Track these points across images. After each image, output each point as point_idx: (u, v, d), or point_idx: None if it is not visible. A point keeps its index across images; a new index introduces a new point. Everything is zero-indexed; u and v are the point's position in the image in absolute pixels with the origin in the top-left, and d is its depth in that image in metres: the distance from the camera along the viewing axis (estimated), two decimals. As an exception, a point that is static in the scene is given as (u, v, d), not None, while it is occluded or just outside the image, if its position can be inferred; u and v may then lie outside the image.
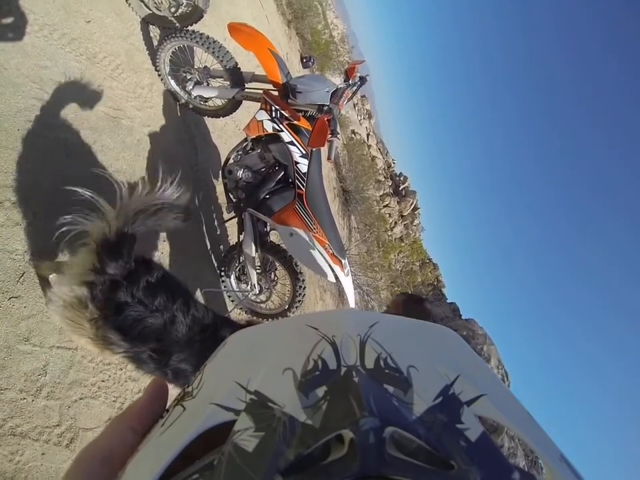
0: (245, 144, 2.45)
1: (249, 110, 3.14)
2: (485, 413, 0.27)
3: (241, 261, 2.63)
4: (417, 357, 0.32)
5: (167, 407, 0.35)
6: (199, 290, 2.62)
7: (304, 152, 2.17)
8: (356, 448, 0.22)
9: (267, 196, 2.35)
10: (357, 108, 17.94)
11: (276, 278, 2.80)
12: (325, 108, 2.09)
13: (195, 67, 2.76)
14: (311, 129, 2.03)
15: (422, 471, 0.21)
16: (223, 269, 2.82)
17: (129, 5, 2.71)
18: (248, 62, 3.73)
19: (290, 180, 2.30)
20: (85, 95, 2.18)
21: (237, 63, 2.45)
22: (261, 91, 2.26)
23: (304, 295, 2.60)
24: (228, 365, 0.35)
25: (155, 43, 2.95)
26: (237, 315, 2.93)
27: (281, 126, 2.13)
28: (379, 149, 19.20)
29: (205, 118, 3.29)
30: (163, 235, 2.46)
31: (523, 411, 0.29)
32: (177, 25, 2.81)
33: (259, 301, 2.88)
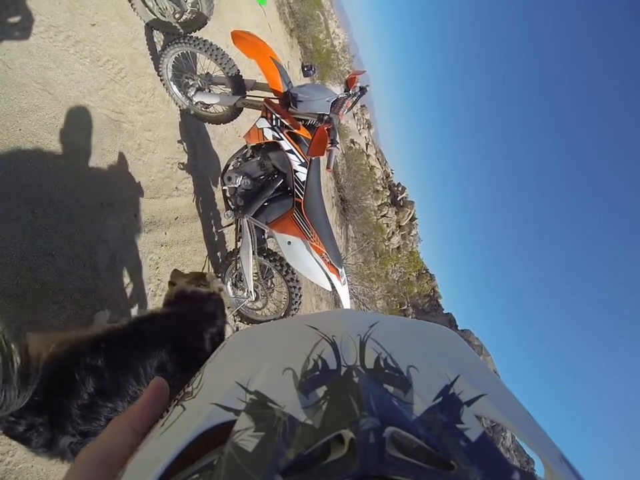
0: (244, 151, 2.46)
1: (249, 117, 3.17)
2: (485, 412, 0.27)
3: (238, 267, 2.62)
4: (417, 357, 0.32)
5: (166, 407, 0.35)
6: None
7: (303, 160, 2.18)
8: (356, 448, 0.22)
9: (266, 203, 2.36)
10: (356, 117, 18.06)
11: (272, 285, 2.80)
12: (325, 117, 2.10)
13: (197, 73, 2.78)
14: (310, 138, 2.03)
15: (422, 471, 0.21)
16: (219, 275, 2.82)
17: (134, 9, 2.73)
18: (250, 69, 3.76)
19: (289, 188, 2.31)
20: (88, 97, 2.18)
21: (239, 70, 2.47)
22: (262, 99, 2.28)
23: (300, 302, 2.60)
24: (228, 365, 0.35)
25: (159, 48, 2.97)
26: (232, 320, 2.92)
27: (281, 134, 2.14)
28: (378, 159, 19.30)
29: (206, 124, 3.31)
30: (160, 240, 2.46)
31: (523, 411, 0.29)
32: (181, 30, 2.83)
33: (255, 307, 2.87)
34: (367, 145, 18.10)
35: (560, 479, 0.24)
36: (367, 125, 19.85)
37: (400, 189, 19.61)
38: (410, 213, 18.74)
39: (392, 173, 21.11)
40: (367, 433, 0.23)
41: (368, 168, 15.37)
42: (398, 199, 19.03)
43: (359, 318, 0.43)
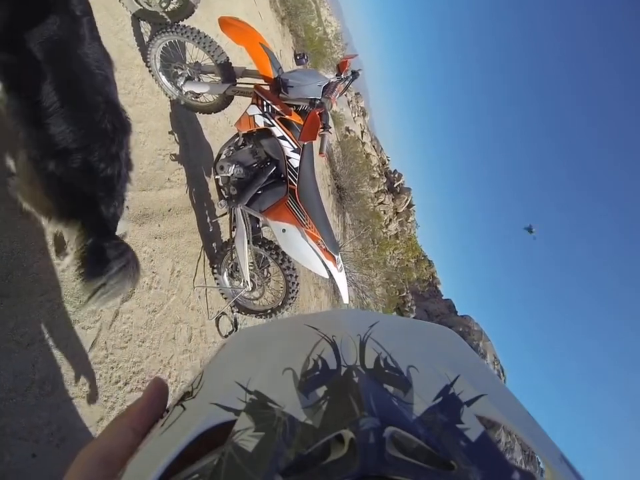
0: (236, 139, 2.43)
1: (240, 106, 3.12)
2: (485, 412, 0.27)
3: (234, 257, 2.61)
4: (417, 357, 0.32)
5: (166, 407, 0.35)
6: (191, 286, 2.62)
7: (295, 146, 2.17)
8: (356, 448, 0.22)
9: (259, 192, 2.34)
10: (351, 105, 17.93)
11: (269, 274, 2.79)
12: (317, 102, 2.08)
13: (186, 62, 2.74)
14: (302, 124, 2.02)
15: (422, 471, 0.21)
16: (215, 265, 2.81)
17: (120, 0, 2.67)
18: (240, 58, 3.71)
19: (282, 175, 2.29)
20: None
21: (228, 58, 2.44)
22: (252, 86, 2.25)
23: (297, 291, 2.60)
24: (228, 365, 0.35)
25: (146, 38, 2.91)
26: (230, 311, 2.92)
27: (272, 120, 2.12)
28: (374, 146, 19.22)
29: (197, 114, 3.27)
30: (154, 232, 2.44)
31: (523, 411, 0.29)
32: (168, 20, 2.78)
33: (251, 297, 2.86)
34: (362, 132, 18.00)
35: (560, 479, 0.25)
36: (361, 113, 19.70)
37: (396, 175, 19.56)
38: (407, 200, 18.73)
39: (388, 160, 21.04)
40: (367, 433, 0.23)
41: (364, 155, 15.31)
42: (395, 185, 18.99)
43: (359, 318, 0.43)
